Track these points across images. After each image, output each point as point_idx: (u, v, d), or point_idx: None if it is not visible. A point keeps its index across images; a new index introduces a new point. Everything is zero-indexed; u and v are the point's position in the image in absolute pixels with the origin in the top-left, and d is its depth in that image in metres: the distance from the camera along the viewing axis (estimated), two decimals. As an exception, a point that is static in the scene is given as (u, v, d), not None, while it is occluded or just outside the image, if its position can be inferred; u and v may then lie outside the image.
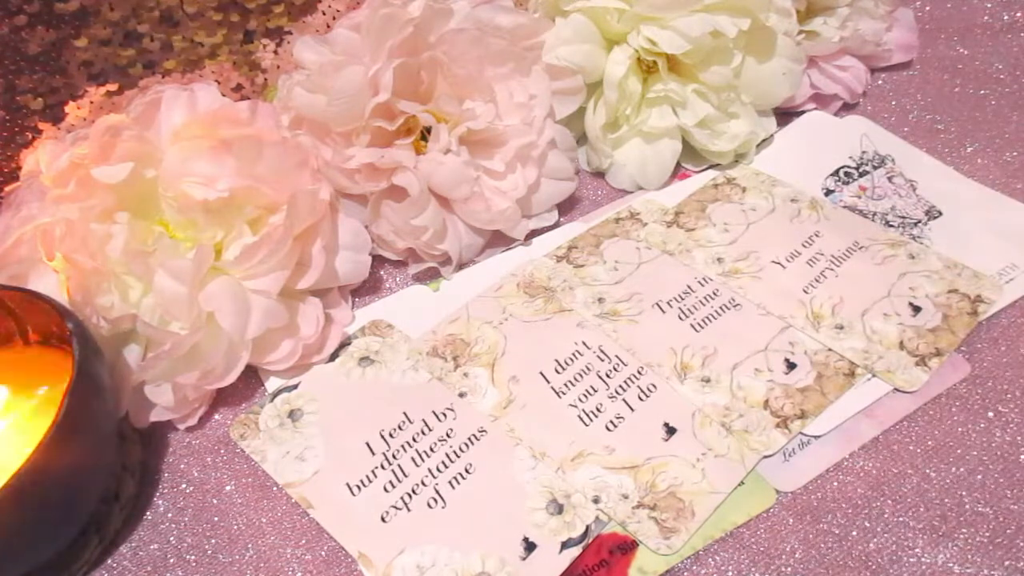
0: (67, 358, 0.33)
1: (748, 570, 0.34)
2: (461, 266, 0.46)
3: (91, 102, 0.58)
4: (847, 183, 0.50)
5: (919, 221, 0.47)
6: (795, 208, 0.48)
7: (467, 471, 0.37)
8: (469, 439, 0.38)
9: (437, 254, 0.45)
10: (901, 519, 0.35)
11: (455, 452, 0.38)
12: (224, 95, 0.44)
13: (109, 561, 0.36)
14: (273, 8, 0.64)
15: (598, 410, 0.39)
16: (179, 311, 0.38)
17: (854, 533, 0.35)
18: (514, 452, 0.38)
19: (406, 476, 0.37)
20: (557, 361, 0.41)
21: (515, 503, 0.36)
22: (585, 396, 0.40)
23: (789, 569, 0.34)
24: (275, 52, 0.60)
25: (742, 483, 0.36)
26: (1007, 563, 0.34)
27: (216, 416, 0.41)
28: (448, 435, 0.39)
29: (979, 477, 0.36)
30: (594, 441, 0.38)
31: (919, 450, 0.37)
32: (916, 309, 0.42)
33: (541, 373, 0.41)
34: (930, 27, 0.58)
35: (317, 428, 0.39)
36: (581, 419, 0.39)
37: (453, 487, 0.37)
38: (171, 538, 0.37)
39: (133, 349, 0.39)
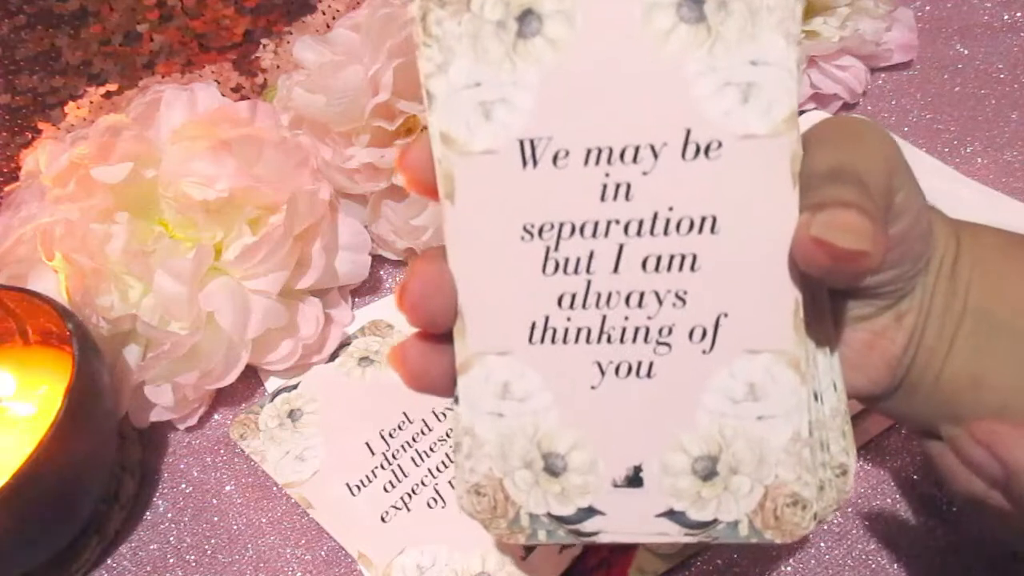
0: (67, 358, 0.33)
1: (748, 570, 0.34)
2: (461, 266, 0.46)
3: (91, 102, 0.58)
4: (847, 183, 0.49)
5: (919, 221, 0.47)
6: (795, 208, 0.48)
7: (467, 471, 0.37)
8: (469, 439, 0.38)
9: (437, 254, 0.45)
10: (901, 518, 0.35)
11: (455, 452, 0.38)
12: (224, 95, 0.44)
13: (109, 561, 0.36)
14: (273, 8, 0.64)
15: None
16: (179, 311, 0.38)
17: (854, 532, 0.35)
18: (514, 452, 0.38)
19: (406, 476, 0.37)
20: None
21: (515, 503, 0.36)
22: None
23: (789, 569, 0.34)
24: (275, 52, 0.60)
25: (742, 483, 0.36)
26: (1007, 563, 0.34)
27: (216, 416, 0.41)
28: (448, 435, 0.39)
29: (979, 477, 0.36)
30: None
31: (919, 448, 0.37)
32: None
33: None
34: (930, 27, 0.58)
35: (317, 428, 0.39)
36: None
37: (453, 487, 0.37)
38: (171, 538, 0.37)
39: (133, 349, 0.39)
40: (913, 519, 0.35)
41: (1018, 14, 0.57)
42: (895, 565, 0.34)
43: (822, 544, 0.35)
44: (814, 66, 0.53)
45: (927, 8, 0.59)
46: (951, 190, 0.49)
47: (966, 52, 0.56)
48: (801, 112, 0.58)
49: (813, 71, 0.53)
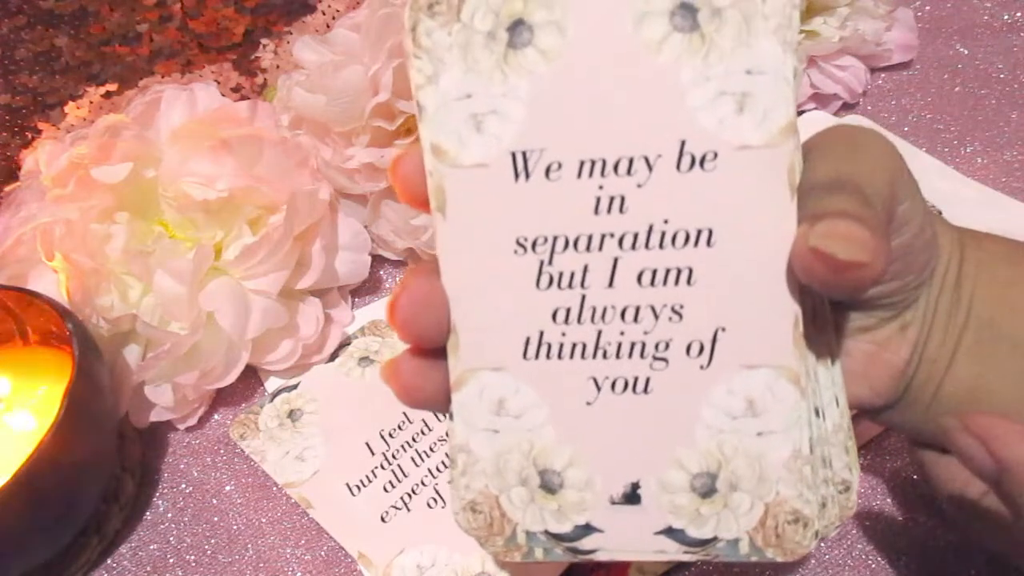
0: (67, 358, 0.33)
1: (748, 570, 0.34)
2: (461, 266, 0.46)
3: (91, 102, 0.58)
4: (847, 183, 0.49)
5: (919, 221, 0.47)
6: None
7: (467, 471, 0.37)
8: (469, 439, 0.38)
9: (437, 254, 0.45)
10: (901, 518, 0.35)
11: (455, 452, 0.38)
12: (224, 95, 0.44)
13: (109, 561, 0.36)
14: (273, 8, 0.64)
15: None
16: (179, 311, 0.38)
17: (854, 532, 0.35)
18: (514, 452, 0.38)
19: (406, 476, 0.37)
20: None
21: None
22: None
23: (789, 569, 0.34)
24: (275, 52, 0.60)
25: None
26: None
27: (216, 416, 0.41)
28: (448, 435, 0.39)
29: (979, 477, 0.36)
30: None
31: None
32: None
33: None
34: (930, 27, 0.58)
35: (317, 428, 0.39)
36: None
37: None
38: (171, 538, 0.37)
39: (133, 349, 0.39)
40: (913, 519, 0.35)
41: (1018, 14, 0.57)
42: (895, 565, 0.34)
43: (822, 544, 0.35)
44: (814, 66, 0.53)
45: (927, 8, 0.59)
46: (951, 190, 0.49)
47: (966, 52, 0.56)
48: (801, 112, 0.58)
49: (813, 71, 0.53)
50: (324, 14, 0.63)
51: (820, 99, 0.54)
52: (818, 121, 0.54)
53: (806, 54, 0.51)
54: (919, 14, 0.58)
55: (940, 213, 0.47)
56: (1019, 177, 0.49)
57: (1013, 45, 0.56)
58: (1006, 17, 0.57)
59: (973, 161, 0.50)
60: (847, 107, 0.54)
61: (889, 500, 0.36)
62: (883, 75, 0.56)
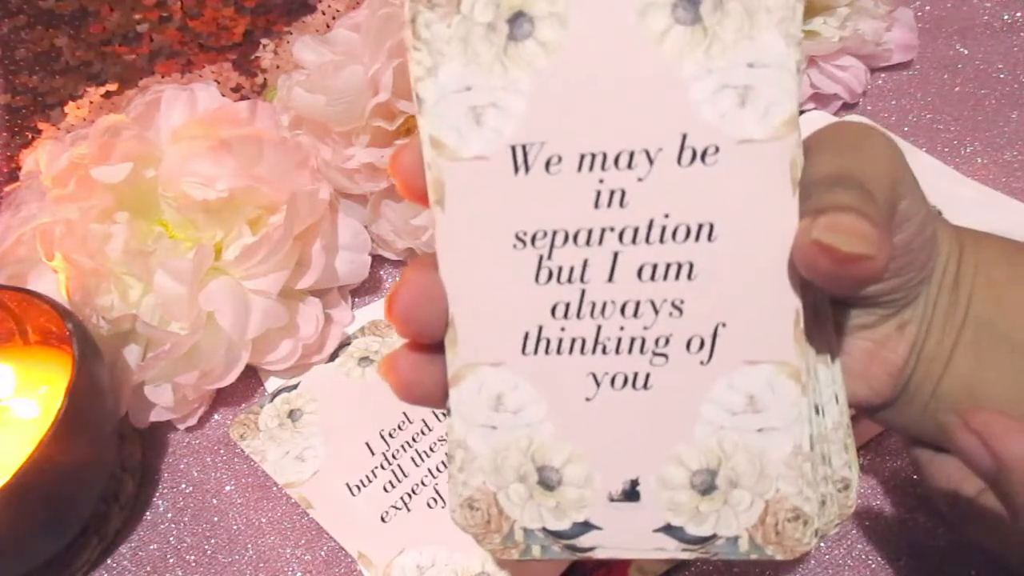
0: (67, 358, 0.33)
1: (748, 569, 0.34)
2: (461, 266, 0.46)
3: (91, 102, 0.58)
4: (847, 183, 0.49)
5: (919, 221, 0.47)
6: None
7: (467, 471, 0.37)
8: (469, 439, 0.38)
9: (437, 254, 0.45)
10: (901, 518, 0.35)
11: (455, 452, 0.38)
12: (224, 95, 0.44)
13: (109, 561, 0.36)
14: (273, 8, 0.64)
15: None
16: (179, 311, 0.38)
17: (854, 532, 0.35)
18: (514, 452, 0.38)
19: (406, 476, 0.37)
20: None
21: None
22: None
23: (789, 568, 0.34)
24: (275, 52, 0.60)
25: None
26: (1007, 563, 0.34)
27: (216, 416, 0.41)
28: (448, 435, 0.39)
29: (979, 477, 0.36)
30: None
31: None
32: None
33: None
34: (930, 27, 0.58)
35: (317, 428, 0.39)
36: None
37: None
38: (171, 538, 0.37)
39: (133, 349, 0.39)
40: (913, 519, 0.35)
41: (1018, 14, 0.57)
42: (895, 565, 0.34)
43: (822, 544, 0.35)
44: (814, 66, 0.53)
45: (927, 8, 0.59)
46: (951, 190, 0.49)
47: (966, 52, 0.56)
48: (801, 112, 0.58)
49: (813, 71, 0.53)
50: (324, 14, 0.63)
51: (820, 99, 0.54)
52: (818, 121, 0.54)
53: (806, 54, 0.51)
54: (919, 14, 0.58)
55: (940, 213, 0.47)
56: (1019, 177, 0.49)
57: (1013, 45, 0.56)
58: (1006, 17, 0.57)
59: (973, 161, 0.50)
60: (847, 107, 0.54)
61: (889, 500, 0.36)
62: (883, 75, 0.56)
